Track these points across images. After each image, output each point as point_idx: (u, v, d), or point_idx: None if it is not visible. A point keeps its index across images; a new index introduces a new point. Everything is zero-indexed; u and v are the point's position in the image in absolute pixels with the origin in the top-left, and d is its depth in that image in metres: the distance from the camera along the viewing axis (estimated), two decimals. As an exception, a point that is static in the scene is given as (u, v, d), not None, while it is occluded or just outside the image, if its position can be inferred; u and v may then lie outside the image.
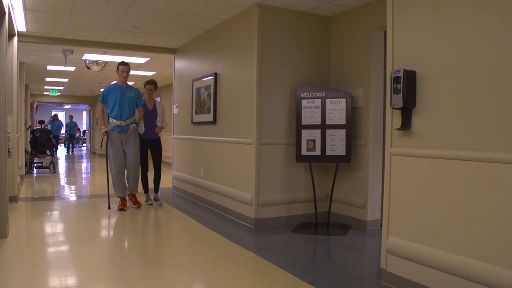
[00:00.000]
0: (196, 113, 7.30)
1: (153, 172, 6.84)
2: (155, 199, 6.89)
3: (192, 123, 7.43)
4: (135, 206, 6.46)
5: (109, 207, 6.30)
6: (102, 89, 6.38)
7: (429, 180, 3.10)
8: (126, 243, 4.76)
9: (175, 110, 8.58)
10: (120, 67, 6.32)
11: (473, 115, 2.80)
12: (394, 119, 3.41)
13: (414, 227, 3.21)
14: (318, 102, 5.21)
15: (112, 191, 6.39)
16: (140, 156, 6.48)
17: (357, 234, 5.09)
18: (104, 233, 5.23)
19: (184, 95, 7.95)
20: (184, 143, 7.86)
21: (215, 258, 4.12)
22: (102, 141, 5.95)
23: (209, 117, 6.75)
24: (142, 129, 6.56)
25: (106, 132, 6.16)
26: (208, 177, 6.79)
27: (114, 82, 6.30)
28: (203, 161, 7.02)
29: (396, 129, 3.35)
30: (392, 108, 3.35)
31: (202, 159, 7.08)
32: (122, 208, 6.22)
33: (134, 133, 6.31)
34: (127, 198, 6.47)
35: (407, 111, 3.28)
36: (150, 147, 6.73)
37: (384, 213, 3.51)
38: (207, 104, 6.85)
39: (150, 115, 6.69)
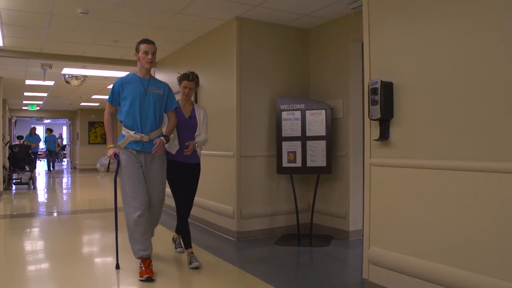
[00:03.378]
0: (177, 126, 7.27)
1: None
2: (191, 260, 4.21)
3: (173, 136, 7.39)
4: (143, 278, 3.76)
5: (117, 267, 4.08)
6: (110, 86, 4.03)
7: (408, 190, 3.14)
8: (107, 260, 4.68)
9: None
10: (142, 46, 3.98)
11: (450, 125, 2.85)
12: (372, 130, 3.45)
13: (395, 236, 3.24)
14: (298, 114, 5.25)
15: (123, 244, 4.26)
16: (173, 189, 4.38)
17: (340, 245, 5.11)
18: (85, 250, 5.15)
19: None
20: (166, 156, 7.82)
21: (197, 272, 4.08)
22: (108, 165, 4.53)
23: (190, 130, 6.72)
24: (174, 147, 4.26)
25: (115, 155, 3.89)
26: (190, 191, 6.74)
27: (130, 73, 4.22)
28: (184, 175, 6.98)
29: (375, 140, 3.39)
30: (370, 119, 3.39)
31: (183, 172, 7.04)
32: (149, 277, 3.74)
33: (162, 151, 4.01)
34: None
35: (385, 122, 3.33)
36: (186, 175, 4.39)
37: (365, 223, 3.53)
38: (188, 117, 6.82)
39: (187, 127, 4.35)
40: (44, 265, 4.41)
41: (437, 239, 2.91)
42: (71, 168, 20.61)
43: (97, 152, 18.78)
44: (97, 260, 4.65)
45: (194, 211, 6.53)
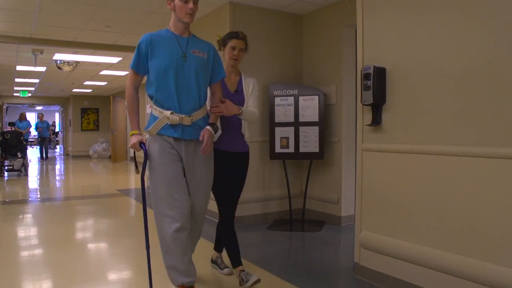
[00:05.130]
0: (170, 113, 7.26)
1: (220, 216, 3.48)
2: (243, 278, 3.21)
3: (166, 122, 7.38)
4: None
5: None
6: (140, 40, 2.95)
7: (399, 175, 3.16)
8: (101, 245, 4.70)
9: (148, 110, 8.51)
10: None
11: (442, 110, 2.87)
12: (365, 115, 3.46)
13: (386, 221, 3.27)
14: (291, 99, 5.25)
15: (157, 268, 3.26)
16: (215, 190, 3.29)
17: (332, 230, 5.15)
18: (78, 235, 5.16)
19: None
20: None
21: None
22: (135, 161, 3.28)
23: (183, 116, 6.71)
24: (216, 133, 3.07)
25: (142, 144, 2.85)
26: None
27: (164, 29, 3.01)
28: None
29: (367, 125, 3.40)
30: (363, 104, 3.39)
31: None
32: None
33: (212, 149, 2.99)
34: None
35: (377, 107, 3.33)
36: (231, 169, 3.32)
37: (357, 208, 3.56)
38: (181, 103, 6.80)
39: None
40: (38, 251, 4.41)
41: (427, 223, 2.94)
42: (64, 155, 20.55)
43: (90, 139, 18.74)
44: (91, 245, 4.66)
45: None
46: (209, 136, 2.89)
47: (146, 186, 3.02)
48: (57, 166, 15.23)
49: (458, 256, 2.73)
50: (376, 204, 3.36)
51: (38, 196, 8.22)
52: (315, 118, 5.18)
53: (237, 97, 3.29)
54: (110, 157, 16.71)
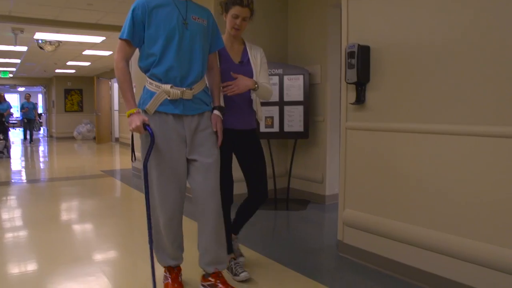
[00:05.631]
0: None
1: (247, 203, 3.29)
2: (232, 268, 3.02)
3: (151, 102, 7.31)
4: None
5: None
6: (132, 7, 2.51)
7: (382, 153, 3.19)
8: (86, 226, 4.69)
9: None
10: None
11: (425, 89, 2.88)
12: (349, 94, 3.46)
13: (369, 199, 3.30)
14: (275, 79, 5.23)
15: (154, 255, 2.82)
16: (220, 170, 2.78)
17: (316, 209, 5.20)
18: (63, 216, 5.13)
19: (142, 75, 7.80)
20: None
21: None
22: (132, 146, 2.82)
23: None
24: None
25: (146, 126, 2.48)
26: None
27: None
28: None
29: (351, 103, 3.41)
30: (347, 83, 3.39)
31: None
32: None
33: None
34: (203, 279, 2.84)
35: (361, 86, 3.33)
36: (238, 149, 3.03)
37: (340, 186, 3.59)
38: (165, 83, 6.73)
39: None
40: (22, 233, 4.38)
41: (410, 201, 2.98)
42: (47, 137, 20.32)
43: (74, 120, 18.55)
44: (76, 226, 4.64)
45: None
46: (219, 122, 2.71)
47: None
48: (41, 148, 15.06)
49: (440, 233, 2.77)
50: (359, 182, 3.39)
51: (22, 177, 8.14)
52: (300, 97, 5.18)
53: (243, 69, 2.95)
54: (94, 138, 16.58)
